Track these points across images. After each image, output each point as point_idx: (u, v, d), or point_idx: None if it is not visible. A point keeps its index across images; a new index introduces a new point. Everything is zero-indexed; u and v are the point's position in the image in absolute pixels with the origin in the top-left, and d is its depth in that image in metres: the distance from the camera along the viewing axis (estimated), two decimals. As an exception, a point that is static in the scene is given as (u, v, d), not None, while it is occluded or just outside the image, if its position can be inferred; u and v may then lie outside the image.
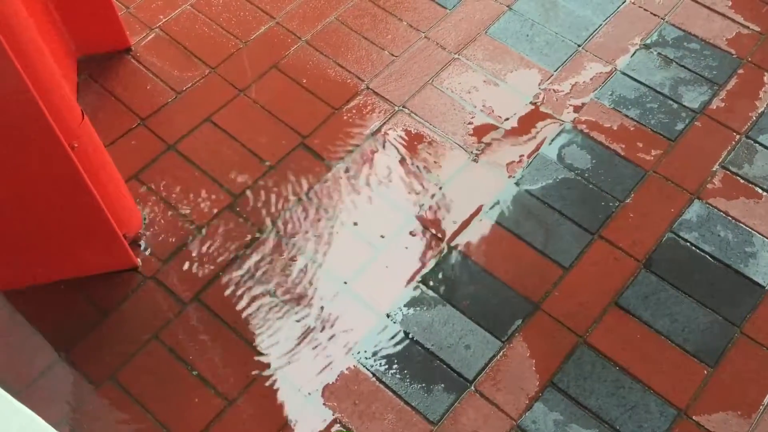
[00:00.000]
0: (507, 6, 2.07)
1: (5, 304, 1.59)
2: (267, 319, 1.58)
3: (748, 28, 2.02)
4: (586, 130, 1.85)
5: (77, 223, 1.48)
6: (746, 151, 1.82)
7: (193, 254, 1.66)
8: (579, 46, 2.00)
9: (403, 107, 1.89)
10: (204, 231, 1.69)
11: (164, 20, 2.03)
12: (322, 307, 1.59)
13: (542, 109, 1.89)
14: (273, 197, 1.74)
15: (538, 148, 1.82)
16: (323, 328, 1.57)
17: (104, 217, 1.47)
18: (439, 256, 1.66)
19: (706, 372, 1.52)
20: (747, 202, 1.74)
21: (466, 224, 1.71)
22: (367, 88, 1.92)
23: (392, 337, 1.56)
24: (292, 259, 1.65)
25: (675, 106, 1.89)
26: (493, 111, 1.88)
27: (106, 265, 1.61)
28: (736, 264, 1.65)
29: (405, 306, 1.59)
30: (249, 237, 1.68)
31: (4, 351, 1.54)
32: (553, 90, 1.92)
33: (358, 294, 1.61)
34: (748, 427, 1.46)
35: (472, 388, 1.50)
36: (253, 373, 1.52)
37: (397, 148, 1.82)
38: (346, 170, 1.78)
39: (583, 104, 1.89)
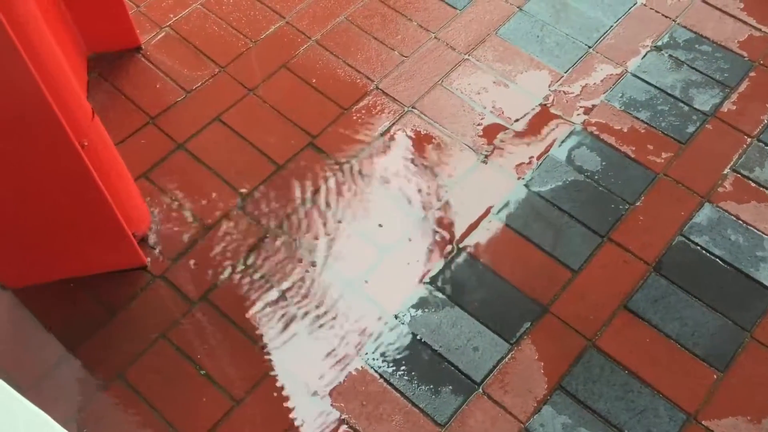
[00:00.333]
0: (518, 7, 2.07)
1: (14, 302, 1.60)
2: (274, 319, 1.58)
3: (760, 30, 2.01)
4: (596, 132, 1.84)
5: (86, 221, 1.48)
6: (758, 154, 1.80)
7: (202, 253, 1.66)
8: (590, 47, 1.99)
9: (412, 108, 1.88)
10: (212, 230, 1.69)
11: (174, 19, 2.04)
12: (330, 308, 1.59)
13: (552, 110, 1.88)
14: (281, 197, 1.74)
15: (547, 149, 1.82)
16: (331, 329, 1.57)
17: (113, 216, 1.48)
18: (447, 258, 1.66)
19: (715, 376, 1.51)
20: (758, 205, 1.72)
21: (474, 226, 1.70)
22: (377, 88, 1.92)
23: (400, 339, 1.55)
24: (301, 259, 1.65)
25: (686, 108, 1.88)
26: (502, 112, 1.88)
27: (114, 263, 1.61)
28: (747, 268, 1.64)
29: (413, 307, 1.59)
30: (257, 237, 1.68)
31: (13, 348, 1.55)
32: (564, 91, 1.91)
33: (366, 295, 1.61)
34: (757, 432, 1.45)
35: (480, 390, 1.50)
36: (261, 373, 1.51)
37: (406, 149, 1.81)
38: (355, 170, 1.78)
39: (594, 106, 1.88)
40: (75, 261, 1.59)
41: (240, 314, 1.58)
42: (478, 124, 1.86)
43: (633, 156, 1.80)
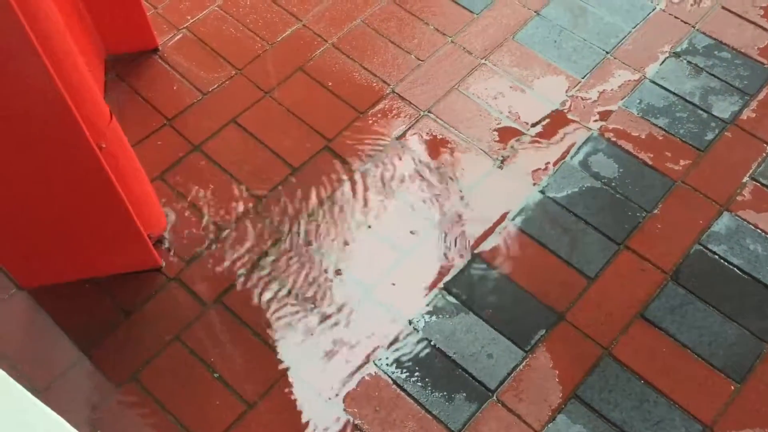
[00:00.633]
0: (535, 11, 2.05)
1: (30, 302, 1.60)
2: (288, 323, 1.57)
3: (781, 37, 1.99)
4: (613, 139, 1.83)
5: (103, 222, 1.48)
6: (777, 162, 1.79)
7: (216, 256, 1.66)
8: (607, 53, 1.98)
9: (428, 112, 1.88)
10: (227, 233, 1.69)
11: (192, 21, 2.04)
12: (344, 312, 1.59)
13: (569, 116, 1.87)
14: (296, 200, 1.74)
15: (564, 155, 1.80)
16: (345, 334, 1.56)
17: (129, 218, 1.48)
18: (462, 264, 1.65)
19: (733, 388, 1.49)
20: (777, 215, 1.71)
21: (490, 231, 1.69)
22: (393, 92, 1.91)
23: (414, 345, 1.55)
24: (315, 263, 1.65)
25: (705, 115, 1.86)
26: (519, 117, 1.87)
27: (130, 265, 1.61)
28: (766, 278, 1.62)
29: (427, 313, 1.58)
30: (272, 240, 1.68)
31: (28, 349, 1.55)
32: (581, 97, 1.90)
33: (380, 300, 1.60)
34: (775, 445, 1.43)
35: (494, 398, 1.49)
36: (274, 376, 1.51)
37: (421, 154, 1.81)
38: (371, 175, 1.77)
39: (611, 112, 1.87)
40: (90, 262, 1.60)
41: (254, 317, 1.58)
42: (494, 129, 1.85)
43: (651, 163, 1.79)
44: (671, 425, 1.45)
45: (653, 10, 2.06)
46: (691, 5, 2.06)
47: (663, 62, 1.96)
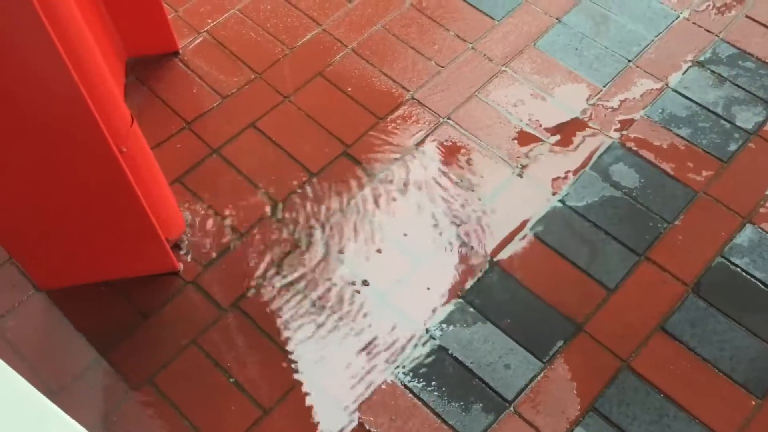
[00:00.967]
0: (556, 19, 2.04)
1: (48, 303, 1.61)
2: (304, 329, 1.57)
3: (806, 47, 1.96)
4: (634, 148, 1.81)
5: (122, 226, 1.49)
6: (802, 175, 1.76)
7: (234, 260, 1.66)
8: (629, 61, 1.96)
9: (447, 119, 1.87)
10: (245, 237, 1.69)
11: (212, 24, 2.04)
12: (361, 320, 1.58)
13: (590, 124, 1.85)
14: (315, 206, 1.73)
15: (584, 164, 1.79)
16: (361, 341, 1.55)
17: (148, 221, 1.48)
18: (480, 272, 1.64)
19: (753, 403, 1.47)
20: (801, 228, 1.68)
21: (508, 240, 1.68)
22: (412, 98, 1.91)
23: (431, 353, 1.54)
24: (333, 269, 1.64)
25: (728, 126, 1.84)
26: (539, 125, 1.85)
27: (147, 268, 1.62)
28: (789, 292, 1.60)
29: (445, 322, 1.57)
30: (289, 245, 1.68)
31: (46, 350, 1.56)
32: (602, 106, 1.88)
33: (397, 307, 1.59)
34: (797, 463, 1.41)
35: (512, 409, 1.47)
36: (290, 383, 1.51)
37: (440, 161, 1.80)
38: (389, 181, 1.77)
39: (633, 121, 1.85)
40: (108, 264, 1.60)
41: (270, 323, 1.58)
42: (514, 137, 1.83)
43: (672, 173, 1.77)
44: (691, 440, 1.43)
45: (676, 18, 2.04)
46: (715, 14, 2.04)
47: (686, 71, 1.94)
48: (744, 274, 1.62)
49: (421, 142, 1.83)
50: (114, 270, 1.61)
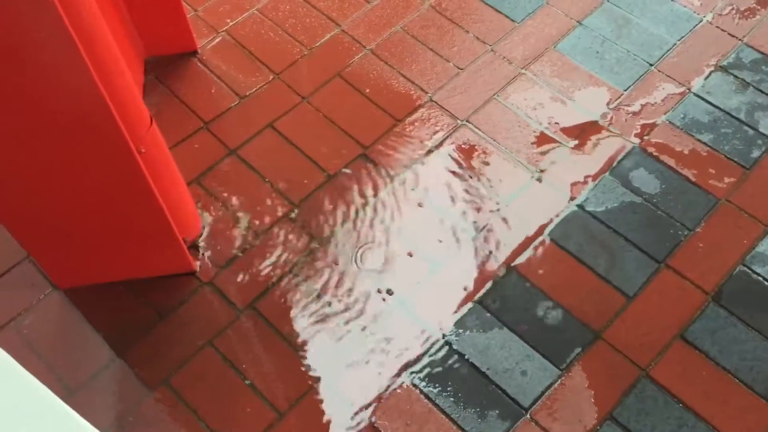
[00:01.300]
0: (577, 21, 2.02)
1: (65, 302, 1.62)
2: (320, 332, 1.56)
3: (832, 53, 1.93)
4: (655, 153, 1.79)
5: (139, 226, 1.49)
6: (826, 183, 1.73)
7: (250, 261, 1.66)
8: (651, 65, 1.94)
9: (466, 121, 1.86)
10: (262, 238, 1.69)
11: (231, 24, 2.04)
12: (377, 324, 1.57)
13: (610, 129, 1.83)
14: (332, 208, 1.73)
15: (604, 169, 1.77)
16: (377, 345, 1.55)
17: (166, 222, 1.48)
18: (497, 277, 1.62)
19: (775, 415, 1.45)
20: (825, 237, 1.65)
21: (526, 245, 1.67)
22: (431, 100, 1.89)
23: (447, 359, 1.52)
24: (349, 272, 1.64)
25: (751, 132, 1.81)
26: (558, 129, 1.84)
27: (164, 268, 1.62)
28: (812, 302, 1.57)
29: (461, 327, 1.56)
30: (306, 247, 1.67)
31: (62, 349, 1.56)
32: (623, 110, 1.86)
33: (414, 312, 1.58)
34: (818, 476, 1.39)
35: (528, 416, 1.46)
36: (305, 386, 1.50)
37: (458, 164, 1.79)
38: (406, 183, 1.76)
39: (654, 126, 1.83)
40: (126, 264, 1.60)
41: (286, 325, 1.57)
42: (533, 141, 1.82)
43: (694, 180, 1.75)
44: (710, 452, 1.41)
45: (699, 22, 2.01)
46: (739, 18, 2.01)
47: (708, 76, 1.91)
48: (766, 282, 1.60)
49: (440, 144, 1.82)
50: (131, 270, 1.61)
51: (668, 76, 1.92)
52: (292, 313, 1.59)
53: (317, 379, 1.51)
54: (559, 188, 1.75)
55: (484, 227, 1.69)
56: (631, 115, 1.85)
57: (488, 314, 1.58)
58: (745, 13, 2.02)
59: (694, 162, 1.77)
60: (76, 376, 1.53)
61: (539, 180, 1.76)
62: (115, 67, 1.29)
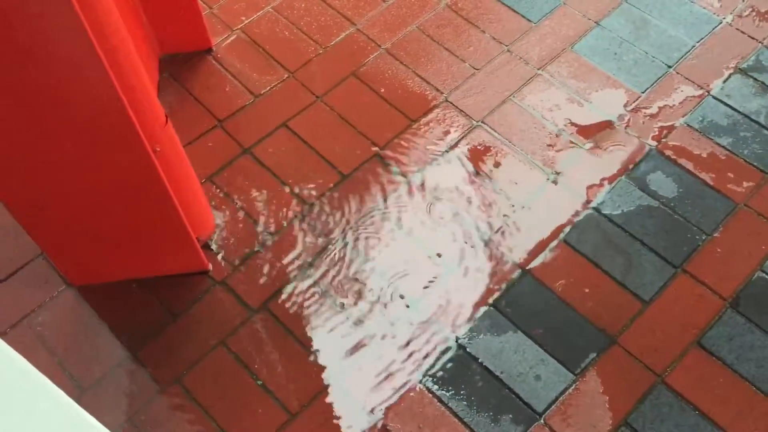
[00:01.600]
0: (595, 22, 2.00)
1: (79, 299, 1.62)
2: (333, 333, 1.56)
3: None
4: (673, 157, 1.77)
5: (153, 224, 1.48)
6: None
7: (263, 261, 1.65)
8: (670, 67, 1.91)
9: (482, 122, 1.84)
10: (275, 238, 1.68)
11: (246, 22, 2.03)
12: (389, 325, 1.56)
13: (627, 131, 1.81)
14: (346, 208, 1.72)
15: (621, 172, 1.75)
16: (390, 347, 1.54)
17: (180, 221, 1.48)
18: (511, 280, 1.61)
19: (792, 424, 1.43)
20: None
21: (541, 248, 1.65)
22: (446, 100, 1.88)
23: (461, 362, 1.51)
24: (362, 273, 1.63)
25: (771, 136, 1.79)
26: (575, 131, 1.82)
27: (178, 267, 1.61)
28: (831, 310, 1.55)
29: (475, 330, 1.55)
30: (319, 247, 1.66)
31: (75, 346, 1.56)
32: (640, 112, 1.84)
33: (426, 314, 1.57)
34: (837, 487, 1.37)
35: (542, 421, 1.45)
36: (318, 387, 1.50)
37: (473, 165, 1.77)
38: (420, 184, 1.75)
39: (672, 129, 1.81)
40: (139, 262, 1.60)
41: (299, 326, 1.57)
42: (549, 143, 1.80)
43: (712, 184, 1.72)
44: (726, 460, 1.40)
45: (719, 23, 1.98)
46: (759, 20, 1.99)
47: (728, 79, 1.89)
48: (785, 289, 1.58)
49: (455, 145, 1.81)
50: (145, 268, 1.61)
51: (687, 78, 1.89)
52: (305, 313, 1.58)
53: (330, 381, 1.50)
54: (575, 191, 1.73)
55: (498, 229, 1.68)
56: (648, 117, 1.83)
57: (502, 317, 1.56)
58: (766, 15, 1.99)
59: (713, 166, 1.75)
60: (88, 373, 1.53)
61: (555, 182, 1.74)
62: (131, 66, 1.28)
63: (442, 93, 1.89)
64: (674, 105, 1.85)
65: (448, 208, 1.71)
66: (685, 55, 1.93)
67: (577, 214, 1.70)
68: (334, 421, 1.46)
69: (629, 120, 1.83)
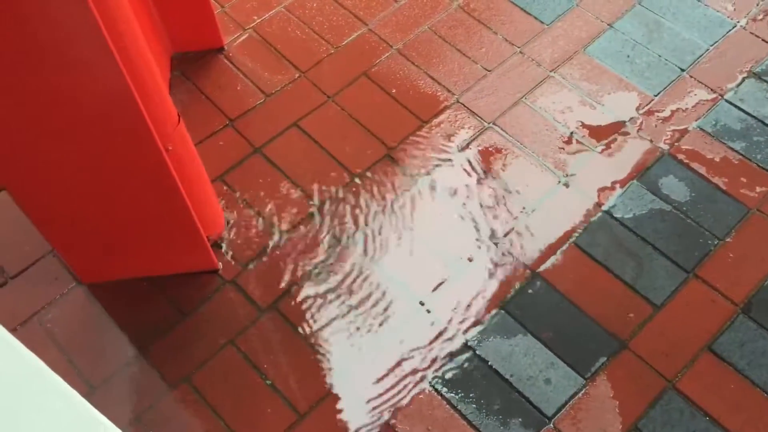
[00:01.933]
0: (608, 24, 1.99)
1: (89, 297, 1.62)
2: (342, 334, 1.55)
3: None
4: (685, 161, 1.76)
5: (164, 223, 1.48)
6: None
7: (273, 260, 1.65)
8: (683, 70, 1.90)
9: (493, 124, 1.83)
10: (285, 237, 1.68)
11: (258, 21, 2.03)
12: (399, 328, 1.56)
13: (640, 134, 1.80)
14: (356, 208, 1.71)
15: (632, 175, 1.74)
16: (399, 349, 1.53)
17: (191, 219, 1.48)
18: (522, 283, 1.60)
19: (804, 431, 1.42)
20: None
21: (552, 251, 1.64)
22: (457, 102, 1.87)
23: (470, 365, 1.51)
24: (372, 274, 1.62)
25: (784, 140, 1.78)
26: (587, 134, 1.81)
27: (188, 265, 1.61)
28: None
29: (484, 332, 1.54)
30: (329, 247, 1.66)
31: (85, 343, 1.56)
32: (653, 115, 1.83)
33: (436, 316, 1.57)
34: None
35: (551, 425, 1.44)
36: (326, 388, 1.49)
37: (484, 167, 1.77)
38: (431, 185, 1.74)
39: (684, 132, 1.80)
40: (150, 260, 1.60)
41: (308, 325, 1.57)
42: (561, 146, 1.79)
43: (724, 188, 1.71)
44: (737, 467, 1.39)
45: (733, 27, 1.97)
46: (774, 23, 1.98)
47: (741, 83, 1.87)
48: (797, 295, 1.57)
49: (466, 147, 1.80)
50: (155, 266, 1.61)
51: (700, 81, 1.88)
52: (314, 314, 1.58)
53: (338, 382, 1.50)
54: (587, 194, 1.72)
55: (509, 232, 1.67)
56: (661, 120, 1.82)
57: (512, 320, 1.56)
58: (780, 19, 1.98)
59: (725, 170, 1.74)
60: (97, 371, 1.53)
61: (566, 185, 1.74)
62: (144, 64, 1.28)
63: (453, 94, 1.89)
64: (687, 108, 1.84)
65: (459, 210, 1.70)
66: (698, 59, 1.92)
67: (588, 217, 1.69)
68: (343, 422, 1.46)
69: (642, 123, 1.82)
